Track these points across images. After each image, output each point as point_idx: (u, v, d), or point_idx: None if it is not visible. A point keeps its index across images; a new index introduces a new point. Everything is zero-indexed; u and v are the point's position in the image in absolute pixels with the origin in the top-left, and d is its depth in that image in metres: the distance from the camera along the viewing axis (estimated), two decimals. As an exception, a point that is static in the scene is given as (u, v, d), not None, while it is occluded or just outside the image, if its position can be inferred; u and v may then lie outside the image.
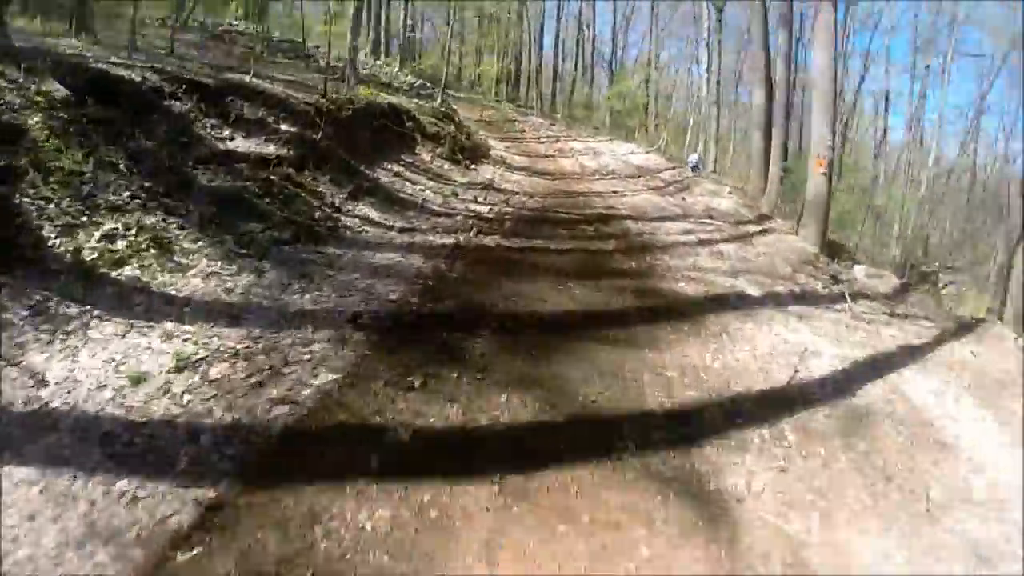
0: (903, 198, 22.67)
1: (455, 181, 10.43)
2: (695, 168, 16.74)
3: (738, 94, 34.91)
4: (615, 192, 12.06)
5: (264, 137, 7.36)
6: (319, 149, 7.71)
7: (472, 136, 13.87)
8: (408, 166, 10.11)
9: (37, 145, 4.40)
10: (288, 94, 8.46)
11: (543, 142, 19.54)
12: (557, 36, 35.68)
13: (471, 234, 7.06)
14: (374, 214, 7.07)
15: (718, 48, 28.63)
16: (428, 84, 14.82)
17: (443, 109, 13.02)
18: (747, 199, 13.07)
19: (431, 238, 6.74)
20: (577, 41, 36.00)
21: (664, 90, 35.96)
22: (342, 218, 6.62)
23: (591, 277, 5.96)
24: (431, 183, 9.67)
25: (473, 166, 12.03)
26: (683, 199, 12.18)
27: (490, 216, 8.27)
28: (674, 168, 16.14)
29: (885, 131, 29.62)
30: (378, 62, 15.57)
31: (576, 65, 36.00)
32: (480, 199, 9.40)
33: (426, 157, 11.22)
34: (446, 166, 11.24)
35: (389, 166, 9.52)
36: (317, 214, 6.40)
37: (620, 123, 30.50)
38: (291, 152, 7.27)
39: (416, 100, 13.20)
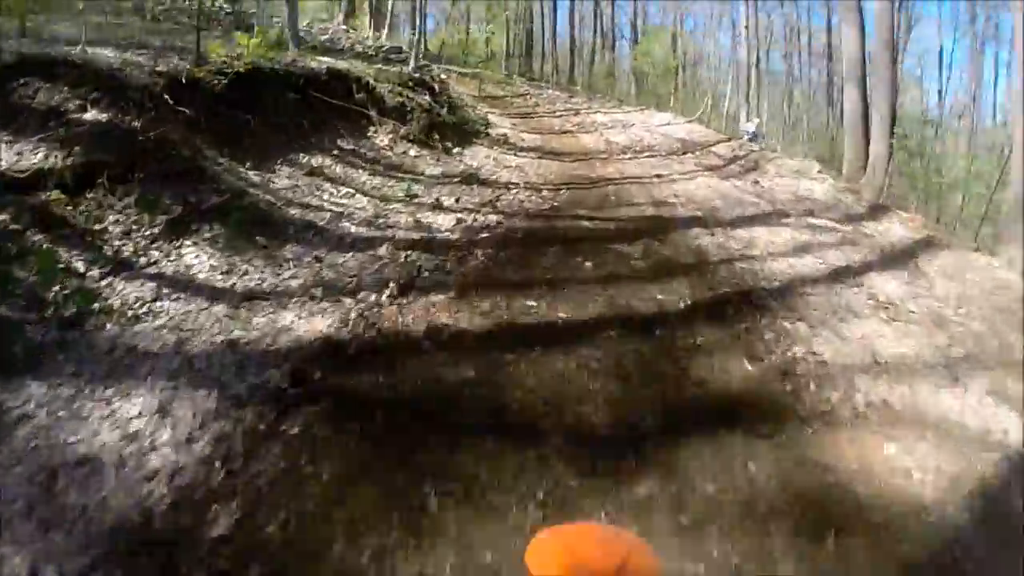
0: None
1: (420, 175, 6.98)
2: (753, 139, 12.95)
3: (768, 61, 30.69)
4: (659, 177, 8.42)
5: (41, 137, 4.04)
6: (142, 148, 4.31)
7: (460, 109, 10.33)
8: (344, 157, 6.69)
9: None
10: (126, 63, 5.14)
11: (559, 116, 15.84)
12: (572, 4, 31.54)
13: (384, 297, 3.56)
14: (198, 266, 3.63)
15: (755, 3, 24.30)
16: (402, 48, 11.32)
17: (417, 75, 9.51)
18: (842, 180, 9.30)
19: (278, 326, 3.24)
20: (595, 9, 31.88)
21: (690, 58, 31.72)
22: (110, 289, 3.20)
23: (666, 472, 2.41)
24: (374, 181, 6.24)
25: (457, 149, 8.52)
26: (757, 183, 8.47)
27: (453, 239, 4.82)
28: (728, 140, 12.31)
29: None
30: (343, 26, 12.11)
31: (595, 32, 31.93)
32: (448, 203, 5.93)
33: (382, 141, 7.77)
34: (412, 152, 7.77)
35: (307, 160, 6.13)
36: (53, 292, 3.00)
37: (649, 91, 26.50)
38: (75, 160, 3.91)
39: (381, 66, 9.70)
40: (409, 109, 8.35)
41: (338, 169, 6.34)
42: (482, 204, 5.92)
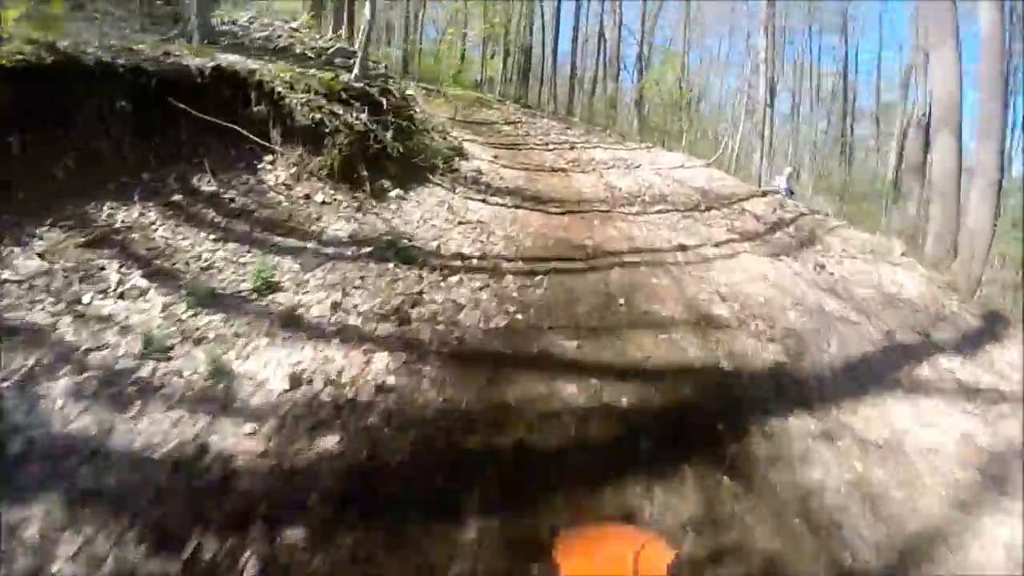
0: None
1: (312, 238, 4.35)
2: (788, 194, 10.52)
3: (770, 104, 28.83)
4: (684, 249, 5.88)
5: None
6: None
7: (417, 135, 7.77)
8: (192, 206, 4.08)
9: None
10: None
11: (552, 149, 13.38)
12: (576, 30, 29.45)
13: None
14: None
15: (772, 36, 22.28)
16: (350, 50, 8.83)
17: (360, 85, 6.94)
18: (928, 263, 6.81)
19: None
20: (599, 34, 29.83)
21: (693, 94, 29.69)
22: None
23: None
24: (215, 255, 3.59)
25: (396, 192, 5.93)
26: (823, 268, 5.93)
27: (263, 450, 2.16)
28: (763, 195, 9.83)
29: None
30: (292, 24, 9.58)
31: (598, 59, 29.82)
32: (315, 313, 3.26)
33: (277, 177, 5.17)
34: (320, 196, 5.16)
35: (110, 215, 3.52)
36: None
37: (653, 126, 24.26)
38: None
39: (315, 71, 7.12)
40: (330, 131, 5.75)
41: (160, 233, 3.69)
42: (381, 316, 3.26)
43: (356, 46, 7.91)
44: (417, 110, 9.13)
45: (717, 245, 6.26)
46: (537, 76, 30.13)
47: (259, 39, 8.70)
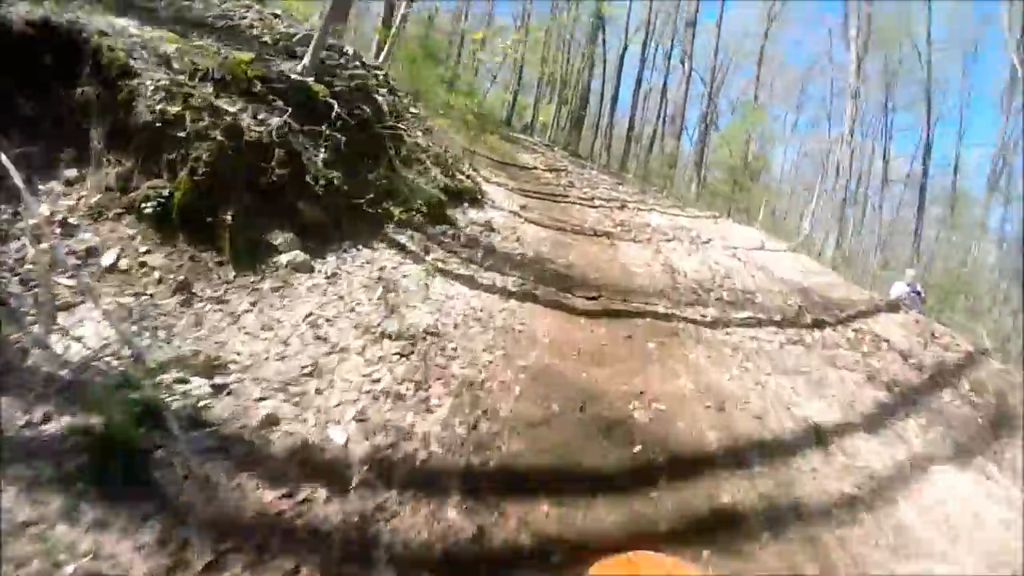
0: None
1: None
2: (914, 303, 7.52)
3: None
4: (824, 445, 2.95)
5: None
6: None
7: (405, 165, 5.22)
8: None
9: None
10: None
11: (598, 206, 10.71)
12: (639, 82, 27.10)
13: None
14: None
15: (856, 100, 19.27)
16: (338, 45, 6.47)
17: (304, 80, 4.44)
18: None
19: None
20: (663, 87, 27.47)
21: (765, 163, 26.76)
22: None
23: None
24: None
25: (294, 256, 3.25)
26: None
27: None
28: (894, 309, 6.82)
29: None
30: (276, 11, 7.34)
31: (660, 115, 27.41)
32: None
33: (53, 209, 2.54)
34: (111, 259, 2.51)
35: None
36: None
37: (715, 193, 21.31)
38: None
39: (259, 52, 4.63)
40: (188, 135, 3.17)
41: None
42: None
43: (316, 28, 5.46)
44: (413, 134, 6.59)
45: (872, 427, 3.34)
46: (592, 126, 27.88)
47: (210, 16, 6.32)
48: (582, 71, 25.65)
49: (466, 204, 6.76)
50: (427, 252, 4.39)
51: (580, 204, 10.63)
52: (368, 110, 5.12)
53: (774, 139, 27.51)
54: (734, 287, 6.35)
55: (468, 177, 7.60)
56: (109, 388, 1.82)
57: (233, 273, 2.85)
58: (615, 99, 27.33)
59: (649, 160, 24.94)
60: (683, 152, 26.02)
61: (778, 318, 5.43)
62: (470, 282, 4.19)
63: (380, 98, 5.97)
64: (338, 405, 2.18)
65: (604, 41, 25.65)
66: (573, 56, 26.49)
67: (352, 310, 2.91)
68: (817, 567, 2.08)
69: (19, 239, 2.50)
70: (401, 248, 4.18)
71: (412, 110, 6.97)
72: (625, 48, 26.38)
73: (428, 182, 5.61)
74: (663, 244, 8.11)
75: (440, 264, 4.27)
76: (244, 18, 6.66)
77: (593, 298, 4.76)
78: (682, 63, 24.44)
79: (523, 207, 8.62)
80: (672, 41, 26.59)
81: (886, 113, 25.48)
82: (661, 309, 4.81)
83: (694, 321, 4.74)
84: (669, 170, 21.26)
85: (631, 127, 26.50)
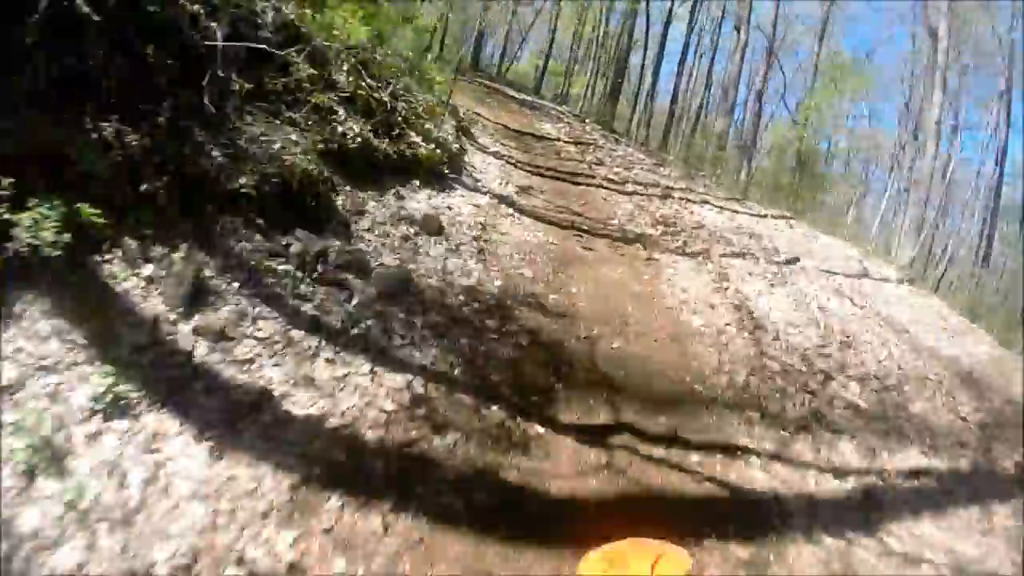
0: None
1: None
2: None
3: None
4: None
5: None
6: None
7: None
8: None
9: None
10: None
11: (631, 192, 7.94)
12: (684, 51, 23.33)
13: None
14: None
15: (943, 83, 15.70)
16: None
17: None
18: None
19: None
20: (711, 62, 23.76)
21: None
22: None
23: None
24: None
25: None
26: None
27: None
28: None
29: None
30: None
31: (707, 87, 23.92)
32: None
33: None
34: None
35: None
36: None
37: (768, 182, 17.89)
38: None
39: None
40: None
41: None
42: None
43: None
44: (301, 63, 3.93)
45: None
46: (630, 98, 24.51)
47: None
48: (620, 35, 22.32)
49: (417, 182, 4.16)
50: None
51: (608, 189, 7.89)
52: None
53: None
54: (866, 372, 3.63)
55: (439, 143, 4.96)
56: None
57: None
58: (656, 70, 23.82)
59: (693, 141, 21.62)
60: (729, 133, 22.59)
61: (964, 466, 2.73)
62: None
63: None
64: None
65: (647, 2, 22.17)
66: (611, 18, 23.21)
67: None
68: None
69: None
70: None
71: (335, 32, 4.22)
72: (671, 12, 22.82)
73: (309, 140, 2.99)
74: (728, 262, 5.39)
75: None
76: None
77: (601, 437, 2.13)
78: (737, 29, 20.87)
79: (522, 189, 5.99)
80: (724, 7, 22.85)
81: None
82: (755, 459, 2.17)
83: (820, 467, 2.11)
84: (719, 152, 17.95)
85: (674, 99, 23.12)
